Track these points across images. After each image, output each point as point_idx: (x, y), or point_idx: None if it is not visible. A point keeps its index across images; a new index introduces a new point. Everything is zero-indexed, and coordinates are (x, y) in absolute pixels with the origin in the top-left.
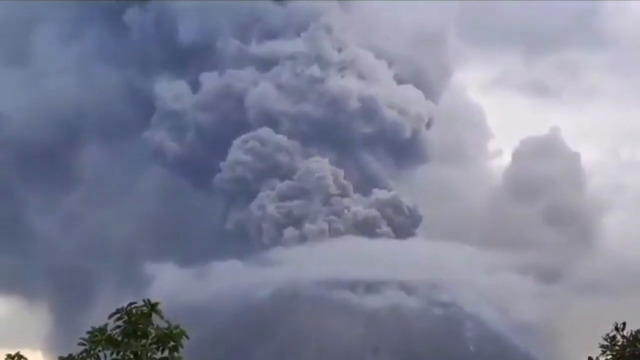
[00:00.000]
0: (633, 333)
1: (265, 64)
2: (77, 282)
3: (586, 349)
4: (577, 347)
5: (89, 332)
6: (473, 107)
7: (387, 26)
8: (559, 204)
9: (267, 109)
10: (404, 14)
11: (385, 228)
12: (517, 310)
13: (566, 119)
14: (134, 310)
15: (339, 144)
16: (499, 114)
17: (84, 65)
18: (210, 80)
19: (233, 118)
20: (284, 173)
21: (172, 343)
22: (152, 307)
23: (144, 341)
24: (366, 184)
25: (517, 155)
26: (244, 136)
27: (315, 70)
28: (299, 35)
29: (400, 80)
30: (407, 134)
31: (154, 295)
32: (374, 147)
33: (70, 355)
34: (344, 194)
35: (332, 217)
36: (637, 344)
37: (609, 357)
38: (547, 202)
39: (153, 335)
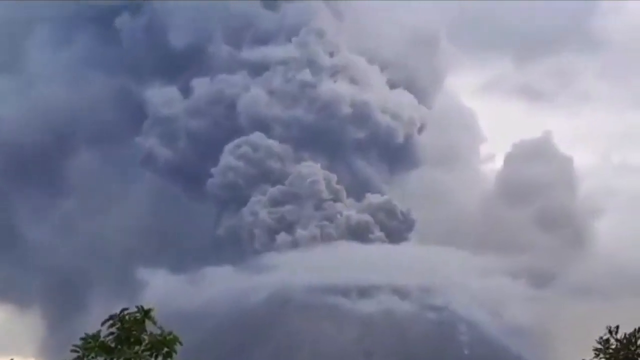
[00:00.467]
0: (626, 336)
1: (257, 69)
2: (70, 288)
3: (579, 352)
4: (569, 350)
5: (82, 339)
6: (466, 111)
7: (379, 31)
8: (551, 208)
9: (259, 114)
10: (396, 18)
11: (378, 233)
12: (510, 313)
13: (558, 123)
14: (127, 317)
15: (331, 149)
16: (492, 118)
17: (76, 71)
18: (201, 86)
19: (225, 123)
20: (276, 178)
21: (165, 349)
22: (146, 313)
23: (137, 348)
24: (359, 188)
25: (509, 159)
26: (235, 141)
27: (307, 75)
28: (290, 40)
29: (392, 85)
30: (400, 138)
31: (147, 301)
32: (366, 151)
33: None
34: (336, 199)
35: (324, 222)
36: (631, 347)
37: None
38: (539, 206)
39: (146, 341)
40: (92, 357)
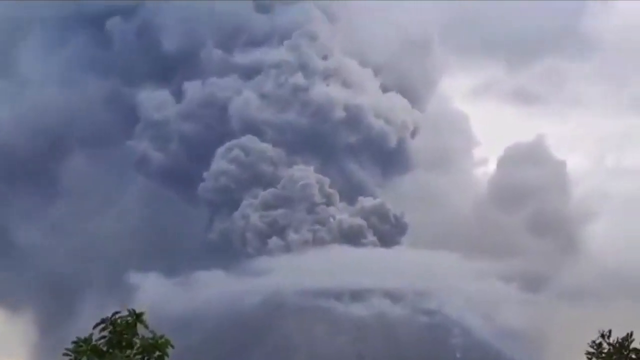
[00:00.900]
0: (619, 340)
1: (249, 73)
2: (62, 292)
3: (572, 356)
4: (563, 353)
5: (74, 342)
6: (459, 114)
7: (372, 34)
8: (544, 212)
9: (251, 118)
10: (389, 21)
11: (371, 237)
12: (503, 317)
13: (552, 126)
14: (118, 320)
15: (323, 153)
16: (485, 121)
17: (67, 74)
18: (193, 89)
19: (217, 127)
20: (268, 181)
21: (157, 353)
22: (137, 317)
23: (129, 351)
24: (352, 192)
25: (502, 162)
26: (227, 144)
27: (299, 79)
28: (282, 43)
29: (385, 88)
30: (393, 142)
31: (139, 304)
32: (359, 155)
33: None
34: (329, 203)
35: (317, 226)
36: (623, 350)
37: None
38: (532, 210)
39: (138, 345)
40: None
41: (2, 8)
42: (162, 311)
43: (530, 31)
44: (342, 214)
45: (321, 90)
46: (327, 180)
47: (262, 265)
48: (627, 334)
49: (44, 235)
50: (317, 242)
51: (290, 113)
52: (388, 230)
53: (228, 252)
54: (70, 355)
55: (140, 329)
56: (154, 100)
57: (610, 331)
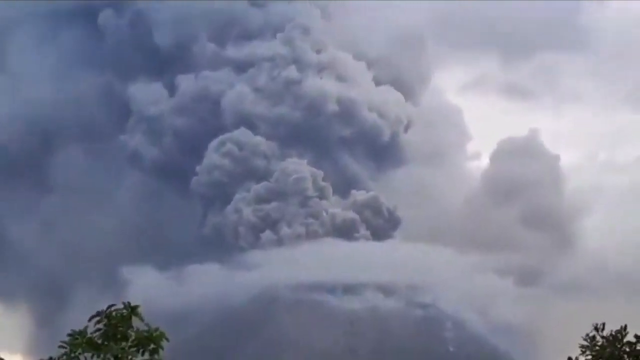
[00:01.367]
0: (613, 333)
1: (242, 66)
2: (56, 285)
3: (566, 350)
4: (557, 347)
5: (69, 335)
6: (452, 109)
7: (366, 28)
8: (538, 206)
9: (244, 112)
10: (383, 16)
11: (364, 231)
12: (497, 311)
13: (545, 121)
14: (113, 313)
15: (317, 146)
16: (478, 116)
17: (60, 69)
18: (186, 83)
19: (210, 121)
20: (261, 175)
21: (152, 345)
22: (132, 309)
23: (124, 344)
24: (345, 185)
25: (495, 157)
26: (220, 137)
27: (292, 72)
28: (275, 37)
29: (379, 82)
30: (387, 136)
31: (133, 298)
32: (353, 149)
33: (50, 358)
34: (322, 196)
35: (310, 220)
36: (617, 344)
37: (589, 357)
38: (526, 204)
39: (133, 337)
40: (80, 353)
41: None
42: (155, 305)
43: (525, 26)
44: (335, 208)
45: (315, 84)
46: (320, 174)
47: (255, 259)
48: (621, 327)
49: (37, 230)
50: (310, 235)
51: (284, 106)
52: (381, 224)
53: (221, 246)
54: (66, 348)
55: (135, 321)
56: (146, 94)
57: (604, 324)
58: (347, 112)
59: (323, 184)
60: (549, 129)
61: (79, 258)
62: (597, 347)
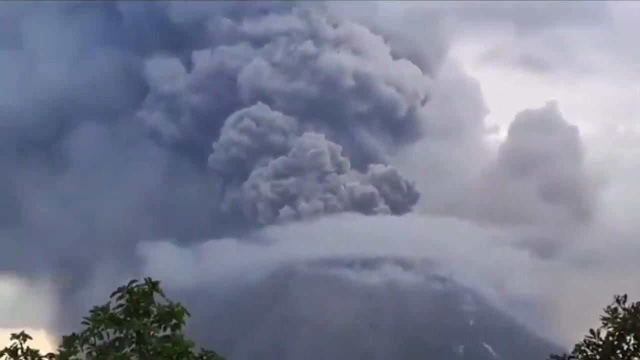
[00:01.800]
0: (634, 305)
1: (258, 41)
2: (78, 261)
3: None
4: (574, 320)
5: (91, 311)
6: (469, 82)
7: (382, 2)
8: (556, 178)
9: (261, 87)
10: None
11: (383, 205)
12: (514, 284)
13: (561, 94)
14: (135, 289)
15: (334, 121)
16: (494, 88)
17: (77, 47)
18: (202, 59)
19: (226, 97)
20: (278, 150)
21: (174, 321)
22: (154, 285)
23: (146, 319)
24: (363, 160)
25: (513, 129)
26: (237, 112)
27: (309, 47)
28: (291, 11)
29: (396, 56)
30: (404, 110)
31: (151, 274)
32: (370, 123)
33: (73, 334)
34: (340, 171)
35: (328, 195)
36: (638, 315)
37: (610, 329)
38: (544, 177)
39: (155, 313)
40: (102, 329)
41: None
42: (173, 281)
43: None
44: (353, 182)
45: (332, 58)
46: (339, 148)
47: (274, 234)
48: None
49: (57, 208)
50: (329, 210)
51: (301, 81)
52: (400, 199)
53: (239, 222)
54: (89, 324)
55: (156, 297)
56: (163, 70)
57: (625, 296)
58: (364, 86)
59: (341, 158)
60: (566, 101)
61: (99, 234)
62: (619, 319)
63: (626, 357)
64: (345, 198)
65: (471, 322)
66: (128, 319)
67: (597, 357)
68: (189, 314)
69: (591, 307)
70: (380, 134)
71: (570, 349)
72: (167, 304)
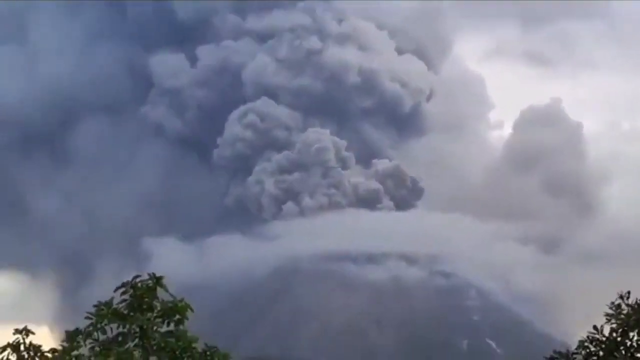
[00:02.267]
0: (638, 301)
1: (263, 37)
2: (80, 257)
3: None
4: (578, 316)
5: (95, 306)
6: (474, 77)
7: None
8: (560, 174)
9: (265, 83)
10: None
11: (387, 202)
12: (517, 279)
13: (565, 89)
14: (139, 284)
15: (338, 117)
16: (499, 84)
17: (81, 42)
18: (207, 54)
19: (231, 93)
20: (282, 146)
21: (177, 316)
22: (157, 280)
23: (149, 315)
24: (367, 156)
25: (518, 125)
26: (242, 107)
27: (314, 42)
28: (296, 6)
29: (401, 51)
30: (408, 106)
31: (155, 270)
32: (374, 119)
33: (76, 329)
34: (344, 166)
35: (332, 191)
36: None
37: (614, 325)
38: (548, 172)
39: (158, 308)
40: (105, 324)
41: None
42: (177, 276)
43: None
44: (357, 177)
45: (336, 54)
46: (343, 143)
47: (278, 230)
48: None
49: (61, 203)
50: (333, 206)
51: (305, 77)
52: (404, 194)
53: (243, 217)
54: (92, 319)
55: (160, 292)
56: (168, 65)
57: (629, 293)
58: (368, 82)
59: (345, 154)
60: (570, 97)
61: (102, 230)
62: (622, 316)
63: (629, 354)
64: (350, 194)
65: (475, 317)
66: (131, 314)
67: (601, 353)
68: (192, 310)
69: (594, 302)
70: (385, 129)
71: (573, 345)
72: (171, 299)
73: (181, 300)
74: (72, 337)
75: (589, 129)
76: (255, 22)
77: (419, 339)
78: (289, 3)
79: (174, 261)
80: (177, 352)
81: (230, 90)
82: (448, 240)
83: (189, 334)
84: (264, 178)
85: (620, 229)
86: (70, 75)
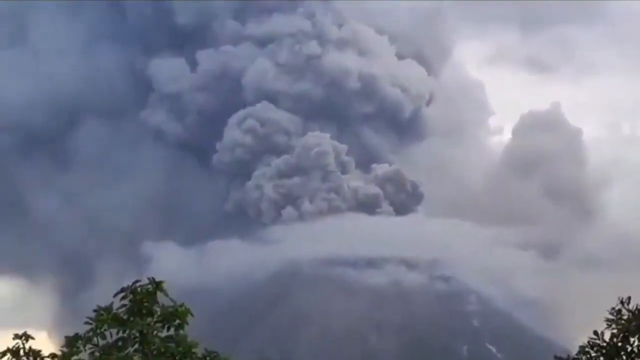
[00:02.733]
0: (639, 307)
1: (263, 41)
2: (79, 262)
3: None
4: (578, 321)
5: (95, 311)
6: (473, 83)
7: (387, 3)
8: (560, 179)
9: (265, 88)
10: None
11: (387, 206)
12: (518, 284)
13: (565, 94)
14: (139, 289)
15: (338, 122)
16: (498, 89)
17: (81, 45)
18: (207, 59)
19: (231, 98)
20: (282, 151)
21: (177, 321)
22: (157, 285)
23: (149, 319)
24: (367, 161)
25: (517, 130)
26: (241, 111)
27: (314, 47)
28: (296, 11)
29: (401, 56)
30: (408, 111)
31: (155, 274)
32: (374, 124)
33: (76, 334)
34: (344, 171)
35: (332, 195)
36: None
37: (614, 331)
38: (548, 178)
39: (158, 313)
40: (105, 329)
41: None
42: (177, 281)
43: None
44: (357, 182)
45: (336, 59)
46: (344, 148)
47: (277, 234)
48: None
49: (60, 206)
50: (332, 210)
51: (305, 82)
52: (404, 199)
53: (243, 222)
54: (92, 324)
55: (160, 297)
56: (168, 70)
57: (629, 298)
58: (368, 87)
59: (345, 158)
60: (570, 101)
61: (102, 234)
62: (623, 321)
63: (630, 359)
64: (349, 198)
65: (475, 322)
66: (131, 319)
67: (601, 358)
68: (192, 315)
69: (595, 307)
70: (385, 134)
71: (574, 350)
72: (171, 303)
73: (181, 305)
74: (71, 342)
75: (589, 134)
76: (255, 27)
77: (419, 344)
78: (289, 8)
79: (173, 265)
80: (177, 357)
81: (230, 95)
82: (448, 245)
83: (189, 339)
84: (264, 183)
85: (620, 234)
86: (71, 78)
